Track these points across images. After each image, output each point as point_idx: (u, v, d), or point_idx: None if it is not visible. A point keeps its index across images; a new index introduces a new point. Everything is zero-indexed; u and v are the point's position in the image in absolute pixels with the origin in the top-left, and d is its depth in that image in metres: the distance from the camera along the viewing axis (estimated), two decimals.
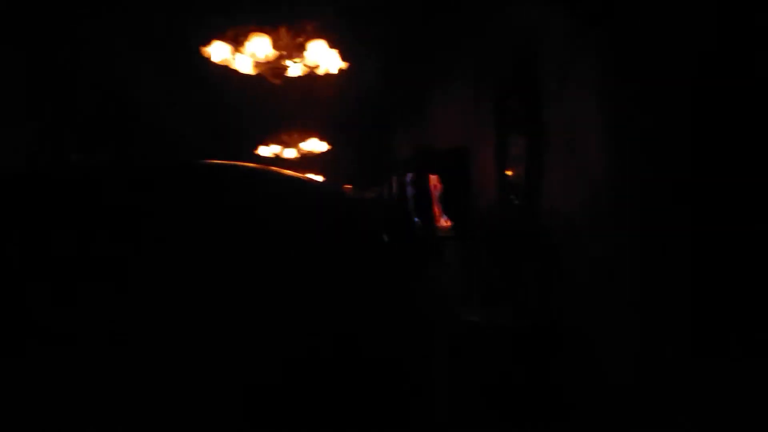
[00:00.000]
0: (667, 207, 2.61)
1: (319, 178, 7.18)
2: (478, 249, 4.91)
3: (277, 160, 7.31)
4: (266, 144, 7.33)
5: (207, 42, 3.56)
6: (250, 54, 3.41)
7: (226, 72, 3.97)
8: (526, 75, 4.15)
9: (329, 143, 7.53)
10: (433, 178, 6.38)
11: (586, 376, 3.24)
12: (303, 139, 7.24)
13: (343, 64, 3.78)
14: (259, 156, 7.40)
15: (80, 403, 0.78)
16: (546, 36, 3.83)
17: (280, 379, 0.85)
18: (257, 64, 3.63)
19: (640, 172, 2.81)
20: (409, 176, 7.08)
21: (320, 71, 3.79)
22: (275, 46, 3.43)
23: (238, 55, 3.63)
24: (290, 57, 3.56)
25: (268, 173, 1.23)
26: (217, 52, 3.50)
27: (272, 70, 3.58)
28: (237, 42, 3.52)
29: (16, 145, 3.72)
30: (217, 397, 0.82)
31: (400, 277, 1.16)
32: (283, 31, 3.49)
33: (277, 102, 6.37)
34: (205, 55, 3.56)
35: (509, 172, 4.71)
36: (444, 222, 6.17)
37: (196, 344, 0.84)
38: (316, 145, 7.27)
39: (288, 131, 7.16)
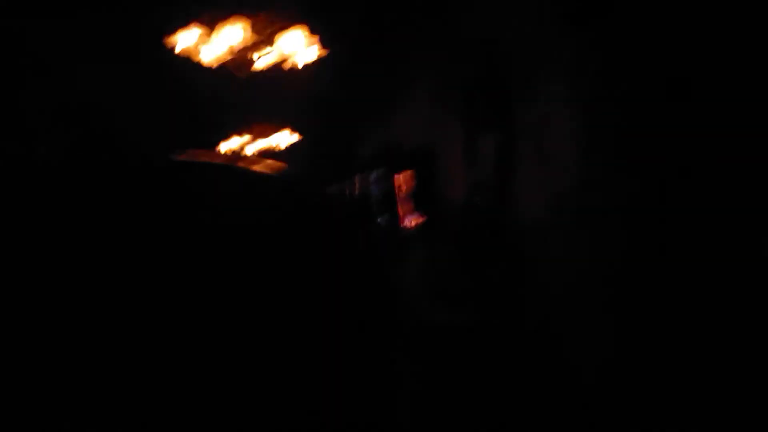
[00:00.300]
0: (638, 209, 2.61)
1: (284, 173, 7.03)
2: (444, 249, 4.89)
3: (239, 155, 7.15)
4: (227, 138, 7.16)
5: (171, 31, 3.42)
6: (216, 44, 3.28)
7: (186, 61, 3.84)
8: (495, 73, 4.13)
9: (292, 138, 7.40)
10: (399, 178, 6.34)
11: (552, 377, 3.23)
12: (266, 133, 7.10)
13: (313, 57, 3.68)
14: (220, 151, 7.22)
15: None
16: (518, 33, 3.81)
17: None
18: (222, 56, 3.51)
19: (611, 175, 2.82)
20: (374, 174, 7.03)
21: (287, 65, 3.69)
22: (243, 37, 3.32)
23: (203, 45, 3.50)
24: (258, 49, 3.45)
25: (232, 169, 1.21)
26: (182, 41, 3.37)
27: (237, 62, 3.47)
28: (203, 31, 3.39)
29: None
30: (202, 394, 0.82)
31: (364, 275, 1.13)
32: (250, 21, 3.37)
33: (240, 94, 6.23)
34: (169, 44, 3.42)
35: (476, 172, 4.70)
36: (409, 222, 6.13)
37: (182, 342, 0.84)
38: (278, 140, 7.14)
39: (250, 125, 7.00)
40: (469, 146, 4.83)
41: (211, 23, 3.45)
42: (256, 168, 1.27)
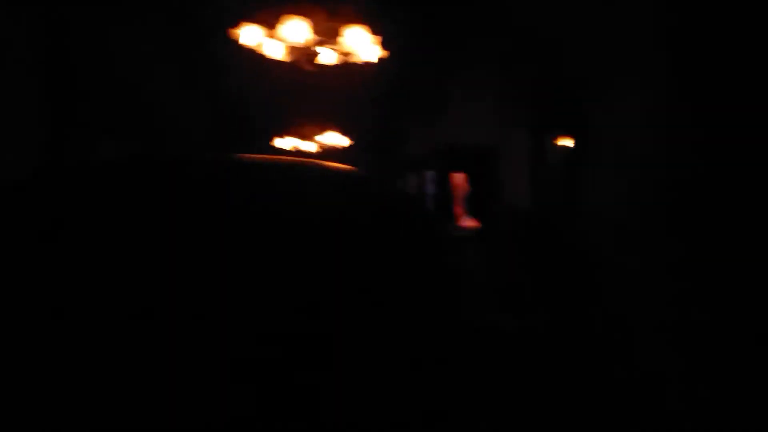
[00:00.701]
0: (723, 211, 2.42)
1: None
2: (507, 252, 4.72)
3: (296, 153, 7.12)
4: (282, 136, 7.13)
5: (236, 24, 3.35)
6: (282, 38, 3.20)
7: (248, 57, 3.78)
8: (569, 70, 3.95)
9: (347, 137, 7.32)
10: (456, 177, 6.19)
11: (627, 387, 3.04)
12: (321, 132, 7.04)
13: (380, 53, 3.57)
14: (275, 148, 7.20)
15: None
16: (595, 30, 3.62)
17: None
18: (289, 50, 3.43)
19: (695, 175, 2.62)
20: (430, 174, 6.88)
21: (354, 59, 3.58)
22: (311, 31, 3.22)
23: (269, 39, 3.42)
24: (324, 43, 3.36)
25: (312, 167, 1.20)
26: (248, 35, 3.30)
27: (305, 55, 3.38)
28: (269, 25, 3.32)
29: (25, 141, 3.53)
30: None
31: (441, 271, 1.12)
32: (318, 14, 3.28)
33: (297, 92, 6.18)
34: (234, 37, 3.36)
35: (543, 173, 4.52)
36: (466, 223, 5.97)
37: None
38: (334, 139, 7.06)
39: (306, 123, 6.95)
40: (535, 146, 4.65)
41: (276, 18, 3.37)
42: (331, 167, 1.26)
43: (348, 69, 3.97)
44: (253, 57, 3.70)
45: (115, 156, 1.50)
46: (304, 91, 6.04)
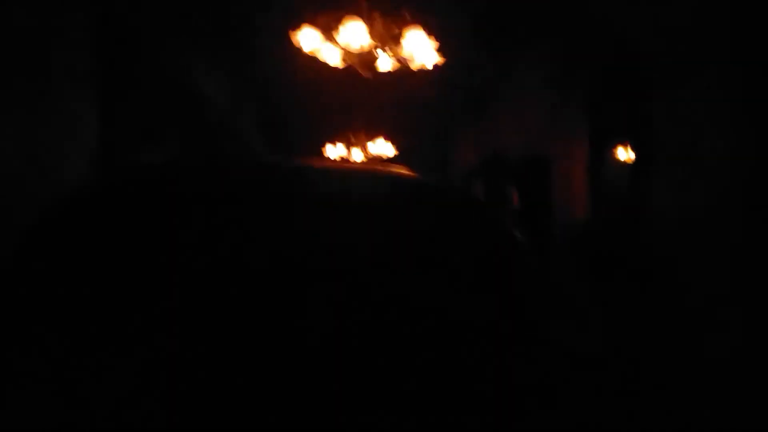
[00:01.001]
0: None
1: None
2: (563, 266, 4.55)
3: (345, 161, 7.08)
4: (333, 143, 7.09)
5: (296, 27, 3.31)
6: (342, 43, 3.15)
7: (300, 63, 3.74)
8: (633, 74, 3.79)
9: (395, 146, 7.25)
10: (508, 187, 6.04)
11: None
12: (370, 140, 6.98)
13: (439, 59, 3.48)
14: (325, 156, 7.17)
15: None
16: (662, 29, 3.45)
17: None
18: (347, 55, 3.37)
19: None
20: (479, 183, 6.75)
21: (414, 65, 3.50)
22: (370, 35, 3.16)
23: (327, 44, 3.37)
24: (383, 47, 3.29)
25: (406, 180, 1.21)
26: (307, 39, 3.26)
27: (363, 60, 3.32)
28: (327, 29, 3.27)
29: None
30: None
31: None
32: (377, 17, 3.22)
33: (347, 99, 6.13)
34: (294, 42, 3.32)
35: (604, 183, 4.36)
36: (517, 234, 5.79)
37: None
38: (383, 148, 7.00)
39: (354, 131, 6.91)
40: (595, 154, 4.49)
41: (334, 22, 3.32)
42: (399, 173, 1.26)
43: (403, 75, 3.90)
44: (306, 63, 3.66)
45: (183, 159, 1.50)
46: (355, 98, 5.99)
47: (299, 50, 3.43)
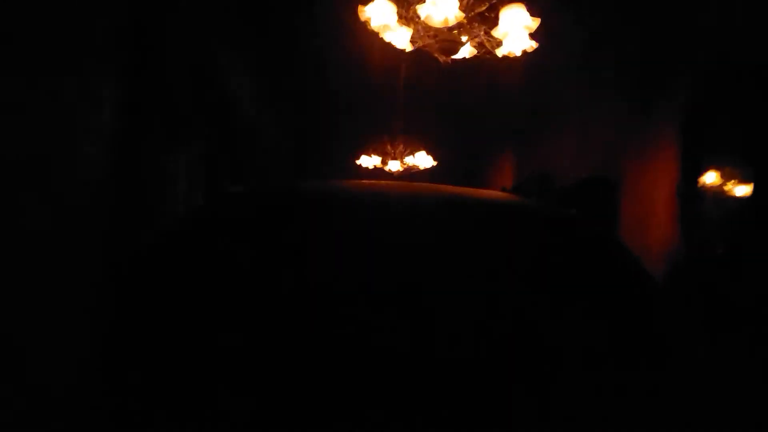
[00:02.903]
0: None
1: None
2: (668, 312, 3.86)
3: (380, 173, 6.44)
4: (368, 154, 6.45)
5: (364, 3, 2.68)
6: (424, 13, 2.50)
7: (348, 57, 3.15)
8: (727, 81, 3.13)
9: (434, 158, 6.60)
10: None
11: None
12: (408, 152, 6.34)
13: (532, 44, 2.84)
14: (360, 167, 6.54)
15: None
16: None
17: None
18: (421, 33, 2.74)
19: None
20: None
21: (501, 51, 2.86)
22: (459, 6, 2.51)
23: (398, 24, 2.74)
24: (471, 24, 2.66)
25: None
26: (379, 12, 2.62)
27: (444, 43, 2.68)
28: (404, 3, 2.64)
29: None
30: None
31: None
32: None
33: (391, 98, 5.55)
34: (361, 16, 2.69)
35: (698, 215, 3.66)
36: None
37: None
38: (422, 159, 6.34)
39: (392, 140, 6.28)
40: (689, 177, 3.80)
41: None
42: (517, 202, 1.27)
43: (473, 66, 3.28)
44: (352, 57, 3.10)
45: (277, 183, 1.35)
46: (401, 97, 5.42)
47: (352, 34, 2.81)
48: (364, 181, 1.28)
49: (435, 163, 6.55)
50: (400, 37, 2.82)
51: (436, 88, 5.82)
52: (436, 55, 2.80)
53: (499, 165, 7.93)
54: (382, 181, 1.28)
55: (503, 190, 6.81)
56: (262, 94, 6.17)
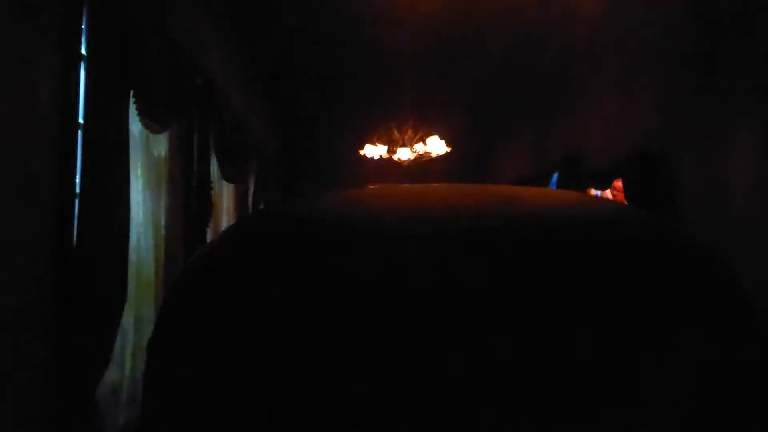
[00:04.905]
0: None
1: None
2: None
3: (387, 164, 5.71)
4: (373, 143, 5.72)
5: None
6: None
7: None
8: None
9: (449, 143, 5.85)
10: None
11: None
12: (418, 138, 5.61)
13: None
14: (364, 157, 5.82)
15: None
16: None
17: None
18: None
19: None
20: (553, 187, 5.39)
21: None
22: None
23: None
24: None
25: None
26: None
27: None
28: None
29: None
30: None
31: None
32: None
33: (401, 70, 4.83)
34: None
35: None
36: None
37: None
38: (435, 146, 5.60)
39: (400, 125, 5.56)
40: None
41: None
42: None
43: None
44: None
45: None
46: (408, 76, 4.71)
47: None
48: (376, 188, 0.78)
49: (449, 149, 5.80)
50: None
51: (446, 61, 5.11)
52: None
53: (504, 154, 7.16)
54: (404, 188, 0.81)
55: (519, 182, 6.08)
56: (247, 77, 5.47)
